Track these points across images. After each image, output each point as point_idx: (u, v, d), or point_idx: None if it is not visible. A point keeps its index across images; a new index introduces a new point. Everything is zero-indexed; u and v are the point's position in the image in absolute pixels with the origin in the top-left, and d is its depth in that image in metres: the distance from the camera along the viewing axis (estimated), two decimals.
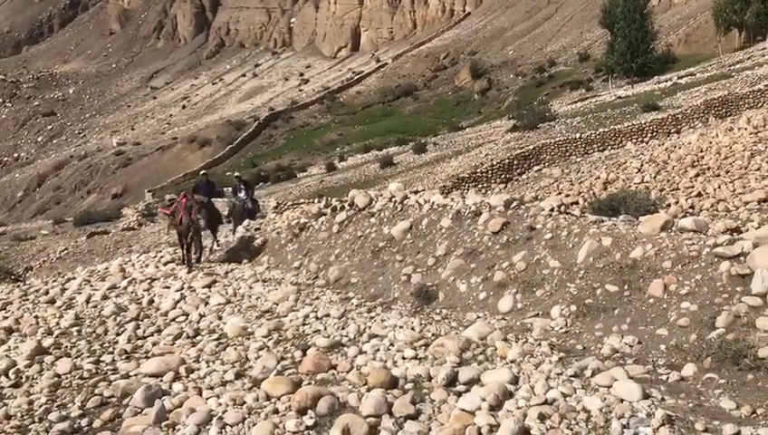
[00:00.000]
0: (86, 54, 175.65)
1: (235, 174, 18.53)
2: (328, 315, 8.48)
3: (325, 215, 13.54)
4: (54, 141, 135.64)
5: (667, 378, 5.96)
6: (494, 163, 28.68)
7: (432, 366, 6.11)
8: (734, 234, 8.22)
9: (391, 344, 6.96)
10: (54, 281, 13.02)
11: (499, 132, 42.70)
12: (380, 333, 7.46)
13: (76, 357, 7.64)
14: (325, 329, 7.91)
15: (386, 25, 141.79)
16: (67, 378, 6.98)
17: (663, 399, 5.36)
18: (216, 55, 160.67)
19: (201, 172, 18.07)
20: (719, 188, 18.02)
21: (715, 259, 7.30)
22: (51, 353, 7.78)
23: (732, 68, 43.21)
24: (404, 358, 6.50)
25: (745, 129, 22.08)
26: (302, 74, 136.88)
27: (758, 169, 18.51)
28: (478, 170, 28.44)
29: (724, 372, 5.85)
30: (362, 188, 17.89)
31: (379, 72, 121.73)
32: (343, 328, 7.87)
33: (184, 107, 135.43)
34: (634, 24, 58.83)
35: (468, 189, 25.09)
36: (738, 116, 26.86)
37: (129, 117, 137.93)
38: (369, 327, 7.75)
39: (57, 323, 9.19)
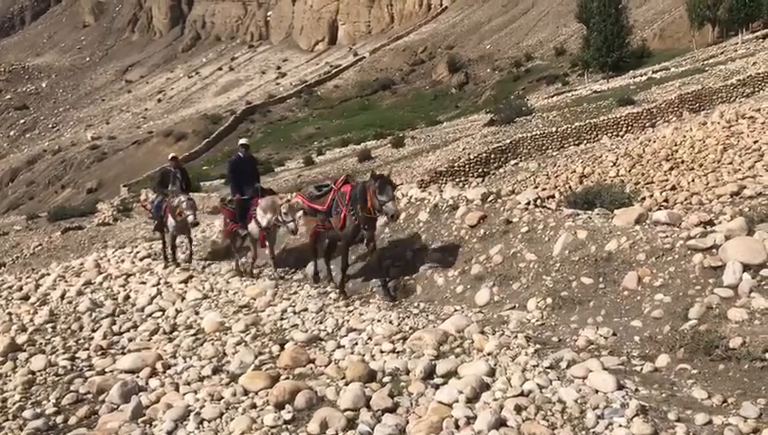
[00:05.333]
0: (59, 47, 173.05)
1: (171, 155, 13.67)
2: (306, 310, 8.48)
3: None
4: (27, 135, 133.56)
5: (641, 369, 6.04)
6: (472, 157, 28.80)
7: (410, 359, 6.13)
8: (707, 227, 8.34)
9: (369, 338, 6.98)
10: (28, 277, 12.83)
11: (476, 126, 42.86)
12: (358, 326, 7.48)
13: (51, 354, 7.55)
14: (303, 323, 7.91)
15: (363, 19, 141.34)
16: (41, 375, 6.91)
17: (637, 389, 5.43)
18: (191, 49, 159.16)
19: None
20: (693, 181, 18.22)
21: (688, 252, 7.40)
22: (25, 350, 7.69)
23: (705, 63, 43.71)
24: (382, 352, 6.52)
25: (718, 123, 22.35)
26: (279, 68, 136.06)
27: (731, 163, 18.74)
28: (456, 164, 28.53)
29: (697, 363, 5.94)
30: None
31: (356, 66, 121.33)
32: (321, 322, 7.88)
33: (159, 101, 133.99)
34: (609, 18, 59.31)
35: (446, 183, 25.16)
36: (711, 110, 27.21)
37: (103, 111, 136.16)
38: (348, 321, 7.77)
39: (31, 320, 9.08)
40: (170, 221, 12.52)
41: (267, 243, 11.33)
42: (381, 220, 9.87)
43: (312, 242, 10.43)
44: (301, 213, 10.43)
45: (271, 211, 10.59)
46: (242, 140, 12.17)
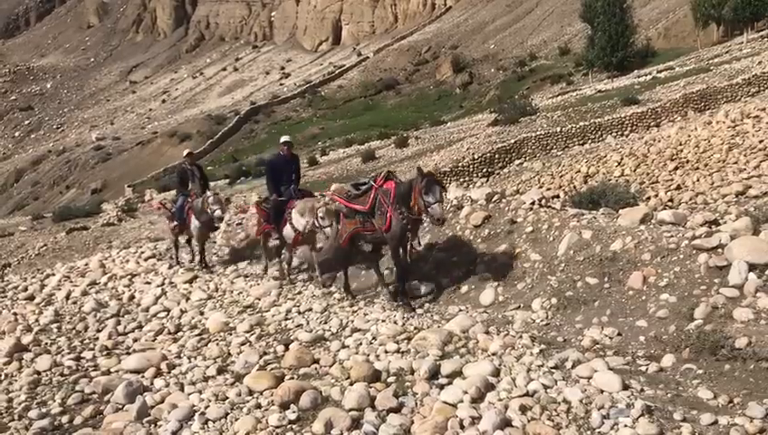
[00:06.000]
0: (64, 48, 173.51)
1: (186, 151, 13.49)
2: (310, 310, 8.47)
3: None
4: (32, 136, 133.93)
5: (647, 369, 6.03)
6: (476, 157, 28.74)
7: (414, 359, 6.13)
8: (712, 226, 8.33)
9: (374, 338, 6.98)
10: (33, 277, 12.88)
11: (480, 126, 42.81)
12: (363, 326, 7.48)
13: (56, 354, 7.56)
14: (308, 323, 7.91)
15: (367, 19, 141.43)
16: (47, 375, 6.92)
17: (642, 389, 5.42)
18: (195, 49, 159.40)
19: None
20: (698, 181, 18.15)
21: (694, 251, 7.38)
22: (30, 350, 7.70)
23: (710, 62, 43.55)
24: (386, 352, 6.52)
25: (723, 122, 22.27)
26: (283, 68, 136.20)
27: (736, 163, 18.66)
28: (460, 164, 28.47)
29: (702, 363, 5.92)
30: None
31: (360, 66, 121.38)
32: (326, 322, 7.87)
33: (164, 101, 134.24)
34: (614, 18, 59.24)
35: (450, 183, 25.14)
36: (716, 109, 27.12)
37: (108, 111, 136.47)
38: (352, 321, 7.76)
39: (36, 320, 9.10)
40: (194, 223, 12.33)
41: (303, 247, 10.88)
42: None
43: (348, 247, 9.42)
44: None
45: (308, 215, 9.87)
46: (284, 138, 11.44)
